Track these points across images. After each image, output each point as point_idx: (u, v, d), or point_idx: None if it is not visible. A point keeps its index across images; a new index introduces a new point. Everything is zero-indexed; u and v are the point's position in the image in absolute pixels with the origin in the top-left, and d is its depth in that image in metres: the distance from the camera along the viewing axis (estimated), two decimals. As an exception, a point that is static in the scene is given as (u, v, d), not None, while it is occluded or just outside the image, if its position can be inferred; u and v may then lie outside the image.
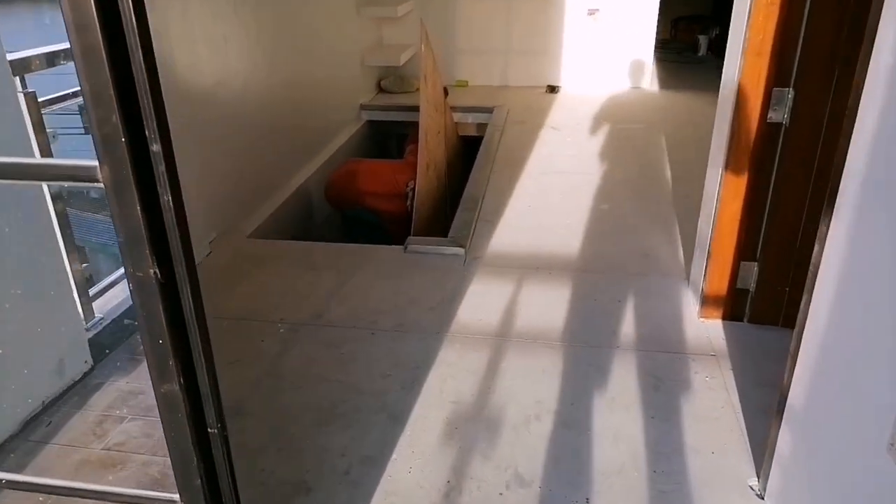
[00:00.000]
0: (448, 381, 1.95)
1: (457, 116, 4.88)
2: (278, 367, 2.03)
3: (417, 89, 5.44)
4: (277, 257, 2.72)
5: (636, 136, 4.17)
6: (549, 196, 3.27)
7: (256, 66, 3.34)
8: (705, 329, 2.18)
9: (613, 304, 2.32)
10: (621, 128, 4.36)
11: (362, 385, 1.94)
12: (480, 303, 2.34)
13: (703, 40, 6.45)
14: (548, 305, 2.31)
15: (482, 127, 4.92)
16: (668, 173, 3.52)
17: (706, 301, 2.20)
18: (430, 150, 3.30)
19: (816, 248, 1.29)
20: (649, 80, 5.39)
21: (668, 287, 2.42)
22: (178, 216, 0.88)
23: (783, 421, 1.44)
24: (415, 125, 4.10)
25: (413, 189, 3.60)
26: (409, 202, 3.63)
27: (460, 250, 2.68)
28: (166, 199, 0.87)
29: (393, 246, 2.79)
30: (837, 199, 1.22)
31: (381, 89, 5.43)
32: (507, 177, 3.53)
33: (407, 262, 2.65)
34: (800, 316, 1.37)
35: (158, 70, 0.84)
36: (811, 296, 1.32)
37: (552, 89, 5.35)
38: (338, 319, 2.26)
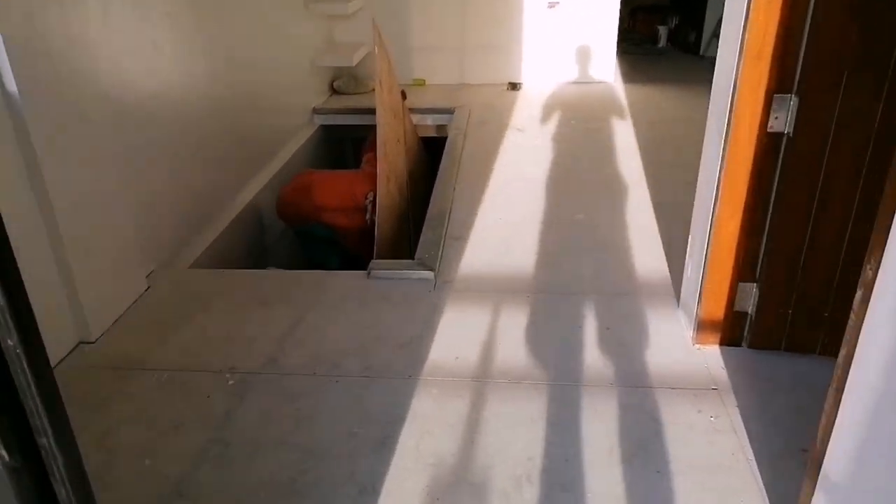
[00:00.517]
0: (425, 437, 1.71)
1: (415, 118, 4.62)
2: (227, 431, 1.76)
3: (373, 90, 5.17)
4: (224, 291, 2.43)
5: (605, 136, 3.99)
6: (519, 207, 3.05)
7: (193, 73, 3.03)
8: (703, 357, 1.99)
9: (601, 332, 2.11)
10: (588, 127, 4.17)
11: (326, 448, 1.68)
12: (455, 337, 2.11)
13: (662, 31, 6.31)
14: (530, 336, 2.09)
15: (442, 128, 4.69)
16: (644, 177, 3.34)
17: (701, 326, 2.01)
18: (390, 160, 3.04)
19: (869, 266, 1.08)
20: (613, 74, 5.23)
21: (656, 309, 2.23)
22: (32, 354, 0.58)
23: (817, 488, 1.25)
24: (372, 129, 3.83)
25: (373, 202, 3.34)
26: (368, 216, 3.36)
27: (429, 274, 2.44)
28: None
29: (354, 271, 2.53)
30: None
31: (334, 91, 5.13)
32: (474, 187, 3.29)
33: (371, 289, 2.40)
34: (842, 359, 1.17)
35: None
36: (858, 334, 1.12)
37: (513, 86, 5.14)
38: (295, 365, 2.00)
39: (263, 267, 3.51)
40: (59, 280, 2.05)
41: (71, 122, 2.06)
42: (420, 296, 2.35)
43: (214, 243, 3.05)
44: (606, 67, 5.18)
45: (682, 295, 2.17)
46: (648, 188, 3.20)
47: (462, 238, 2.77)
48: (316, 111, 4.71)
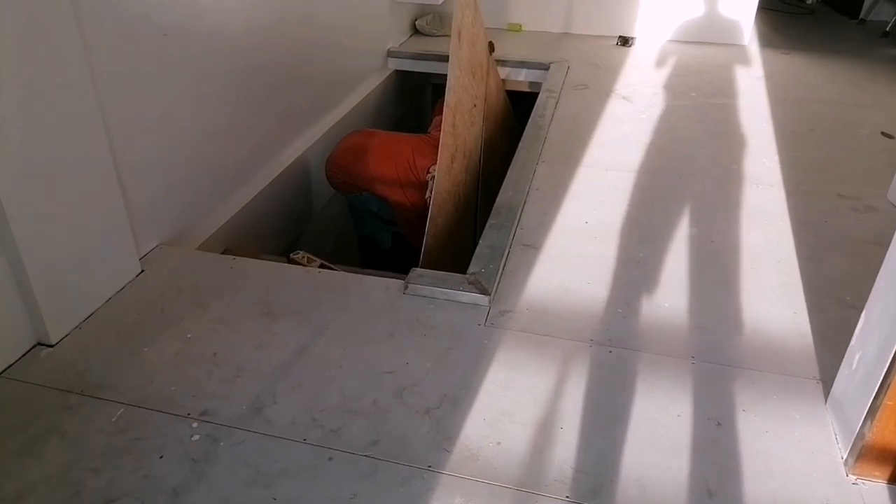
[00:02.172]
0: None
1: (505, 72, 3.95)
2: (171, 521, 1.29)
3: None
4: (226, 288, 1.95)
5: (733, 117, 3.20)
6: (614, 208, 2.39)
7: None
8: (860, 497, 1.35)
9: (706, 428, 1.49)
10: (713, 102, 3.38)
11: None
12: (503, 405, 1.54)
13: (816, -16, 5.25)
14: (608, 420, 1.50)
15: (535, 85, 4.00)
16: (782, 181, 2.58)
17: (867, 452, 1.36)
18: (458, 133, 2.43)
19: None
20: (748, 36, 4.31)
21: (791, 397, 1.57)
22: None
23: None
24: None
25: (434, 177, 2.76)
26: (428, 194, 2.79)
27: (482, 299, 1.87)
28: None
29: (390, 278, 1.99)
30: None
31: (415, 31, 4.49)
32: (559, 172, 2.64)
33: (405, 309, 1.86)
34: None
35: None
36: None
37: (625, 41, 4.33)
38: (284, 422, 1.50)
39: (300, 242, 3.04)
40: (6, 261, 1.61)
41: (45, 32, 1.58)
42: (467, 329, 1.78)
43: (246, 209, 2.58)
44: (742, 27, 4.27)
45: (836, 391, 1.50)
46: (788, 198, 2.46)
47: (534, 247, 2.16)
48: (391, 54, 4.11)
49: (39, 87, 1.58)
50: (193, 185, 2.31)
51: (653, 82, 3.66)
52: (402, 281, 1.95)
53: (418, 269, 1.99)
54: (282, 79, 2.80)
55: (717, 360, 1.68)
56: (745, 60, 4.04)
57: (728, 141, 2.94)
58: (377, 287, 1.96)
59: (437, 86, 4.58)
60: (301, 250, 2.40)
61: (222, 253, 2.41)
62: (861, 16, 4.91)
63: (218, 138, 2.40)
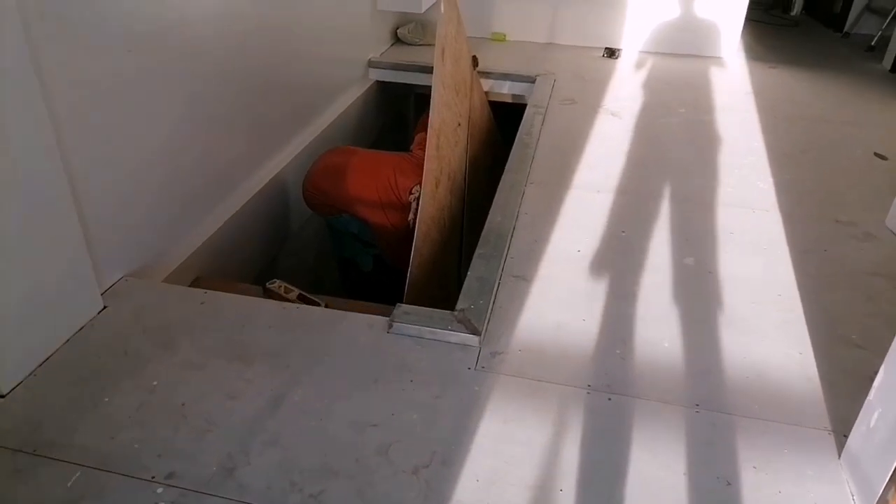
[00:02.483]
0: None
1: (488, 84, 3.85)
2: None
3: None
4: (197, 326, 1.81)
5: (724, 136, 3.13)
6: (608, 234, 2.30)
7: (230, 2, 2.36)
8: (882, 567, 1.26)
9: (721, 489, 1.39)
10: (702, 119, 3.31)
11: None
12: (496, 464, 1.43)
13: (799, -4, 5.23)
14: (614, 483, 1.39)
15: (519, 97, 3.90)
16: (778, 206, 2.50)
17: (889, 519, 1.27)
18: (443, 156, 2.32)
19: None
20: (735, 48, 4.26)
21: (805, 454, 1.48)
22: None
23: None
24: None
25: (417, 198, 2.64)
26: (411, 216, 2.67)
27: (472, 339, 1.75)
28: None
29: (373, 315, 1.87)
30: None
31: (397, 40, 4.37)
32: (549, 195, 2.54)
33: (389, 351, 1.73)
34: None
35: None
36: None
37: (611, 53, 4.25)
38: (258, 484, 1.37)
39: (278, 264, 2.91)
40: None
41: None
42: (456, 374, 1.66)
43: (219, 233, 2.44)
44: (729, 39, 4.22)
45: (852, 447, 1.41)
46: (785, 224, 2.38)
47: (525, 278, 2.05)
48: (373, 64, 3.98)
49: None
50: (161, 208, 2.16)
51: (641, 97, 3.58)
52: (387, 319, 1.82)
53: (403, 305, 1.86)
54: (257, 92, 2.66)
55: (723, 408, 1.58)
56: (733, 74, 3.99)
57: (720, 161, 2.86)
58: (360, 326, 1.83)
59: (419, 95, 4.47)
60: (277, 279, 2.27)
61: (193, 282, 2.27)
62: (846, 29, 4.89)
63: (188, 157, 2.26)
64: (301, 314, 1.89)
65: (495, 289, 1.98)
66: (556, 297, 1.97)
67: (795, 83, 3.89)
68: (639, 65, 4.11)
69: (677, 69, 4.03)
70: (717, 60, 4.19)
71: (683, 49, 4.25)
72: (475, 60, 3.16)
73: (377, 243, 2.77)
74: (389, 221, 2.67)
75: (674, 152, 2.94)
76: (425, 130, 2.90)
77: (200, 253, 2.32)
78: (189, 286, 2.22)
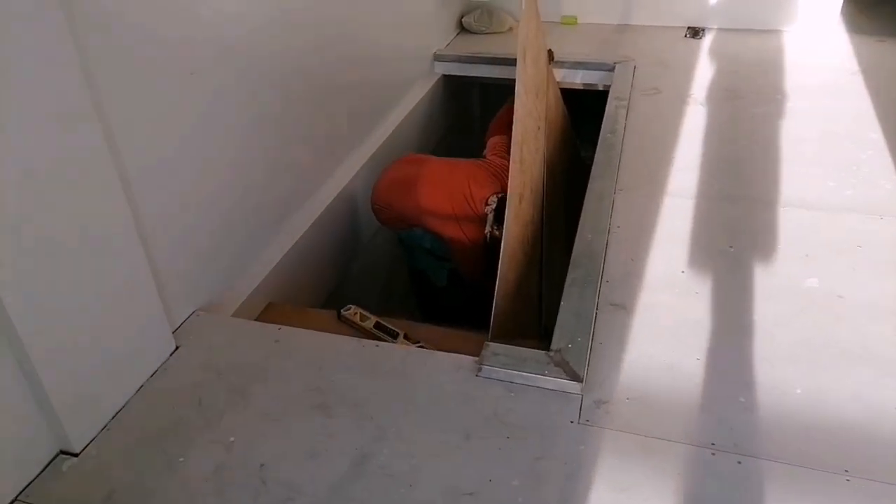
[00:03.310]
0: None
1: (560, 74, 3.59)
2: None
3: (510, 29, 4.16)
4: (271, 371, 1.68)
5: (832, 126, 2.79)
6: (713, 250, 2.05)
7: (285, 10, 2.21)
8: None
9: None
10: (805, 108, 2.97)
11: None
12: (613, 544, 1.25)
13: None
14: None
15: (592, 85, 3.64)
16: (910, 212, 2.20)
17: None
18: (526, 169, 2.11)
19: None
20: (836, 20, 3.85)
21: None
22: None
23: None
24: (505, 103, 2.91)
25: (496, 209, 2.46)
26: (488, 228, 2.48)
27: (573, 385, 1.57)
28: None
29: (460, 354, 1.70)
30: None
31: (462, 28, 4.16)
32: (641, 204, 2.30)
33: (479, 400, 1.57)
34: None
35: None
36: None
37: (695, 33, 3.92)
38: (347, 569, 1.23)
39: (348, 282, 2.77)
40: (12, 359, 1.36)
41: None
42: (557, 429, 1.48)
43: (288, 256, 2.31)
44: (828, 11, 3.81)
45: None
46: (920, 234, 2.08)
47: (625, 307, 1.84)
48: (438, 57, 3.78)
49: (40, 139, 1.32)
50: (229, 237, 2.05)
51: (732, 84, 3.26)
52: (474, 359, 1.66)
53: (492, 344, 1.69)
54: (319, 101, 2.49)
55: (878, 475, 1.35)
56: (834, 51, 3.60)
57: (832, 157, 2.55)
58: (446, 368, 1.67)
59: (484, 87, 4.26)
60: (353, 305, 2.13)
61: (265, 310, 2.16)
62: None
63: (253, 181, 2.13)
64: (381, 353, 1.74)
65: (593, 321, 1.78)
66: (663, 330, 1.76)
67: (910, 59, 3.47)
68: (726, 44, 3.76)
69: (770, 48, 3.66)
70: (815, 35, 3.79)
71: (776, 24, 3.86)
72: (550, 54, 2.92)
73: (452, 258, 2.60)
74: (465, 235, 2.49)
75: (776, 148, 2.64)
76: (500, 133, 2.72)
77: (270, 279, 2.20)
78: (260, 315, 2.11)
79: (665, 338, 1.73)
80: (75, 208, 1.40)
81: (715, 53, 3.66)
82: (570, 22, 4.23)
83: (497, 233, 2.46)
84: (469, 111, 4.46)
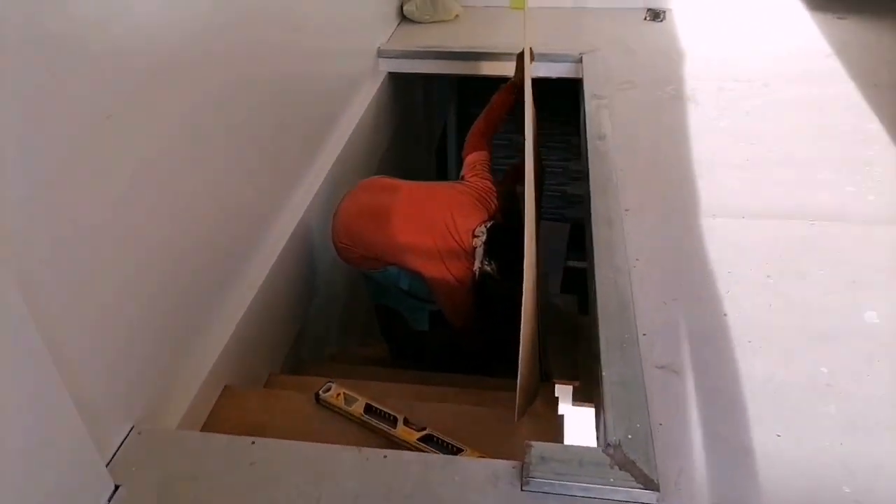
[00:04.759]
0: None
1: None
2: None
3: (457, 16, 3.78)
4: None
5: (828, 119, 2.58)
6: (751, 282, 1.77)
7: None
8: None
9: None
10: (796, 98, 2.75)
11: None
12: None
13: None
14: None
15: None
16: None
17: None
18: (531, 217, 1.75)
19: None
20: (796, -1, 3.67)
21: None
22: None
23: None
24: (454, 85, 2.55)
25: (487, 241, 2.10)
26: (477, 264, 2.12)
27: (648, 496, 1.24)
28: None
29: (495, 462, 1.34)
30: None
31: (404, 18, 3.73)
32: (656, 229, 2.00)
33: (532, 523, 1.22)
34: None
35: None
36: None
37: (655, 15, 3.65)
38: None
39: (307, 330, 2.35)
40: None
41: None
42: (640, 560, 1.16)
43: (241, 325, 1.86)
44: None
45: None
46: (962, 245, 1.88)
47: (674, 369, 1.53)
48: (382, 53, 3.35)
49: None
50: (164, 320, 1.57)
51: (710, 72, 3.00)
52: (514, 467, 1.30)
53: (535, 444, 1.33)
54: (259, 122, 2.01)
55: None
56: (799, 31, 3.41)
57: (838, 156, 2.33)
58: (479, 480, 1.30)
59: (427, 79, 3.88)
60: (332, 382, 1.73)
61: (221, 395, 1.73)
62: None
63: (186, 246, 1.62)
64: (393, 469, 1.35)
65: (643, 394, 1.46)
66: (726, 399, 1.46)
67: (878, 38, 3.32)
68: (690, 27, 3.51)
69: (736, 28, 3.44)
70: (774, 13, 3.60)
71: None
72: (531, 53, 2.58)
73: (436, 300, 2.21)
74: (451, 273, 2.12)
75: (781, 148, 2.39)
76: (476, 151, 2.36)
77: (224, 357, 1.76)
78: (216, 405, 1.69)
79: (731, 410, 1.43)
80: None
81: (682, 38, 3.40)
82: (518, 6, 3.86)
83: (488, 268, 2.10)
84: (412, 109, 4.04)
